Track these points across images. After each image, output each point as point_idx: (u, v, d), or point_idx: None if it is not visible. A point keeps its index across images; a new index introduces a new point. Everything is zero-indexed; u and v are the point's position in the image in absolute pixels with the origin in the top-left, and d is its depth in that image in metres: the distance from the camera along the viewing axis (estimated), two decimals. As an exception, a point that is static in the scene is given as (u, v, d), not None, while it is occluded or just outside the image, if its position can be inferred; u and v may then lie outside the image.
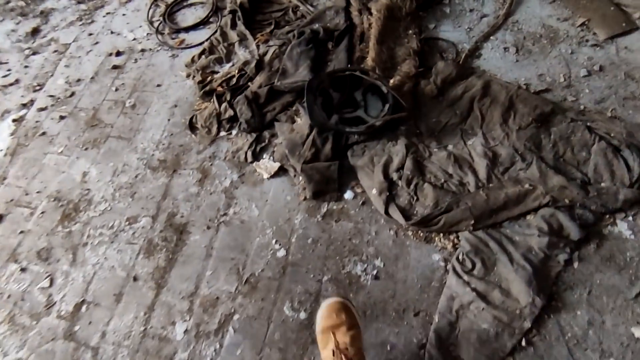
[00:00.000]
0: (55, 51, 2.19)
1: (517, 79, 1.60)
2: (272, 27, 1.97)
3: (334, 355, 0.96)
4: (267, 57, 1.85)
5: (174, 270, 1.42)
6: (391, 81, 1.62)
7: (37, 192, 1.70)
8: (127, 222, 1.55)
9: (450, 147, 1.48)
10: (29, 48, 2.23)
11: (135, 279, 1.42)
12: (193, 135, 1.72)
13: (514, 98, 1.52)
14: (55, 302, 1.43)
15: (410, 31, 1.78)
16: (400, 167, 1.44)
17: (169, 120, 1.79)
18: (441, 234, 1.31)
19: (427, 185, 1.38)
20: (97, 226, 1.57)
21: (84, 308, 1.38)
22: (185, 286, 1.37)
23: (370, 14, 1.83)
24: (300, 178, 1.50)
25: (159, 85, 1.91)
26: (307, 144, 1.54)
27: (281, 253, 1.38)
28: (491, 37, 1.74)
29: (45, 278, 1.48)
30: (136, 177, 1.66)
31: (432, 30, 1.82)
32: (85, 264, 1.49)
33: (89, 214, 1.60)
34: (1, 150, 1.86)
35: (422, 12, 1.88)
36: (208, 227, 1.48)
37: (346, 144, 1.55)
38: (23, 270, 1.51)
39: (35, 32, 2.30)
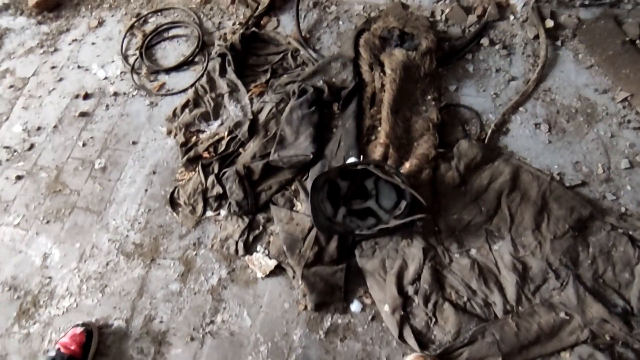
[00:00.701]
0: (11, 86, 1.87)
1: (550, 166, 1.40)
2: (268, 75, 1.70)
3: None
4: (262, 117, 1.59)
5: (151, 393, 1.22)
6: (407, 165, 1.40)
7: (-11, 277, 1.45)
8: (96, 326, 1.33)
9: (473, 252, 1.29)
10: (-21, 80, 1.90)
11: (104, 402, 1.22)
12: (175, 214, 1.48)
13: (547, 195, 1.32)
14: None
15: (429, 96, 1.54)
16: (417, 278, 1.25)
17: (146, 190, 1.53)
18: (463, 370, 1.14)
19: (448, 305, 1.20)
20: (59, 328, 1.34)
21: None
22: (165, 422, 1.17)
23: (383, 71, 1.58)
24: (300, 282, 1.29)
25: (134, 143, 1.64)
26: (309, 241, 1.32)
27: (277, 379, 1.19)
28: (520, 108, 1.52)
29: (-1, 395, 1.26)
30: (107, 264, 1.42)
31: (454, 94, 1.58)
32: (47, 378, 1.27)
33: (51, 311, 1.37)
34: (-54, 216, 1.59)
35: (442, 67, 1.63)
36: (192, 339, 1.27)
37: (354, 241, 1.35)
38: (-29, 383, 1.29)
39: (-14, 59, 1.96)
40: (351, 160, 1.41)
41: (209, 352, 1.25)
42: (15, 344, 1.33)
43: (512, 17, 1.69)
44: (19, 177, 1.62)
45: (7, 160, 1.67)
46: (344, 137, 1.49)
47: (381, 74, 1.58)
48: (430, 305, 1.21)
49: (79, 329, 1.26)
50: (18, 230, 1.52)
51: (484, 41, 1.66)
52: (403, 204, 1.29)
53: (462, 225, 1.32)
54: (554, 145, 1.44)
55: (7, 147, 1.70)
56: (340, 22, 1.82)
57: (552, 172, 1.38)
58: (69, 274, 1.42)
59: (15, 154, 1.68)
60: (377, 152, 1.44)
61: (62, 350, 1.22)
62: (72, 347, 1.22)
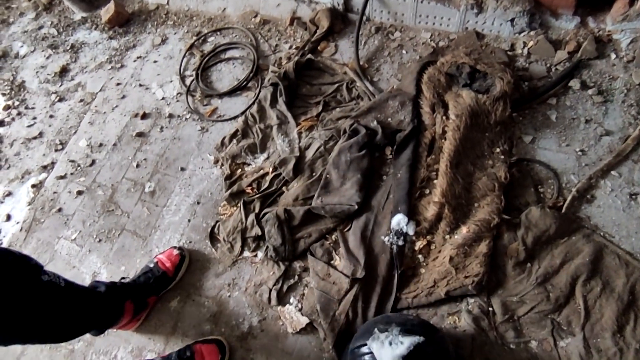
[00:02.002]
0: (81, 100, 1.98)
1: (645, 250, 1.15)
2: (320, 108, 1.60)
3: None
4: (309, 155, 1.51)
5: None
6: (463, 230, 1.23)
7: (46, 288, 1.55)
8: (131, 354, 1.37)
9: (533, 345, 1.11)
10: (55, 92, 2.04)
11: None
12: (213, 250, 1.46)
13: (637, 289, 1.09)
14: None
15: (498, 149, 1.35)
16: (462, 368, 1.11)
17: (189, 221, 1.54)
18: None
19: (496, 407, 1.04)
20: (99, 350, 1.40)
21: None
22: None
23: (447, 115, 1.41)
24: (331, 349, 1.20)
25: (182, 169, 1.65)
26: (345, 304, 1.23)
27: None
28: (613, 172, 1.27)
29: (43, 406, 1.35)
30: (147, 293, 1.45)
31: (529, 146, 1.37)
32: (84, 398, 1.33)
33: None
34: (18, 222, 1.73)
35: (518, 113, 1.42)
36: (218, 386, 1.26)
37: (394, 308, 1.23)
38: (23, 388, 1.40)
39: (63, 71, 2.09)
40: (397, 218, 1.28)
41: (233, 405, 1.23)
42: (60, 358, 1.42)
43: (613, 56, 1.41)
44: (79, 193, 1.72)
45: (72, 174, 1.78)
46: (394, 188, 1.36)
47: (444, 117, 1.41)
48: (474, 403, 1.06)
49: (176, 251, 1.42)
50: (74, 246, 1.61)
51: (574, 83, 1.41)
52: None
53: (524, 312, 1.14)
54: (653, 223, 1.18)
55: (72, 161, 1.81)
56: (404, 52, 1.66)
57: (647, 259, 1.14)
58: (112, 297, 1.47)
59: (79, 168, 1.78)
60: (430, 210, 1.29)
61: (159, 265, 1.38)
62: (167, 265, 1.38)
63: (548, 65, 1.47)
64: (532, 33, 1.51)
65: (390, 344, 0.93)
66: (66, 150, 1.86)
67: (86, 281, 1.53)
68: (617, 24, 1.41)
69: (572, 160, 1.32)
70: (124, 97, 1.92)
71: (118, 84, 1.97)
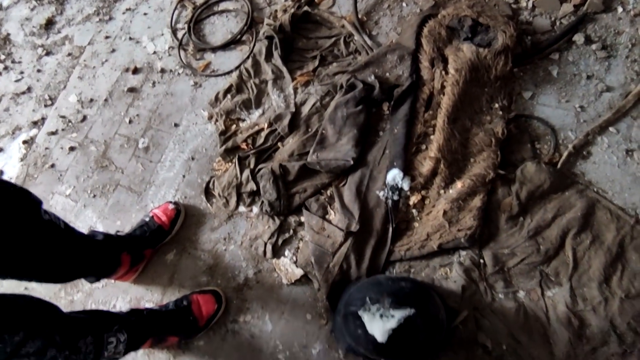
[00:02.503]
0: (69, 54, 1.91)
1: (637, 205, 1.16)
2: (317, 63, 1.56)
3: None
4: (305, 111, 1.48)
5: (172, 378, 1.28)
6: (458, 185, 1.23)
7: (43, 242, 1.56)
8: (129, 303, 1.40)
9: (521, 295, 1.14)
10: (42, 46, 1.96)
11: None
12: (208, 205, 1.46)
13: (626, 242, 1.11)
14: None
15: (497, 104, 1.32)
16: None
17: (183, 177, 1.53)
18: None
19: (481, 353, 1.08)
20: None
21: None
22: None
23: (446, 69, 1.37)
24: (325, 299, 1.23)
25: (176, 125, 1.62)
26: (339, 257, 1.25)
27: (292, 390, 1.19)
28: (610, 129, 1.26)
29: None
30: (143, 246, 1.46)
31: (528, 102, 1.35)
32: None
33: (90, 285, 1.45)
34: (11, 178, 1.71)
35: (518, 68, 1.38)
36: (214, 333, 1.30)
37: (387, 260, 1.25)
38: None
39: (49, 24, 2.00)
40: (393, 173, 1.28)
41: (229, 350, 1.27)
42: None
43: (620, 10, 1.37)
44: (72, 149, 1.69)
45: (63, 130, 1.75)
46: (391, 143, 1.35)
47: (443, 72, 1.38)
48: (462, 352, 1.10)
49: (171, 206, 1.42)
50: (69, 201, 1.61)
51: (578, 38, 1.37)
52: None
53: (514, 263, 1.16)
54: (646, 179, 1.19)
55: (63, 117, 1.77)
56: (404, 4, 1.60)
57: (637, 214, 1.15)
58: (109, 250, 1.49)
59: (70, 124, 1.75)
60: (425, 165, 1.28)
61: (155, 219, 1.39)
62: (163, 219, 1.39)
63: (552, 19, 1.42)
64: (538, -16, 1.44)
65: (382, 317, 0.95)
66: (56, 105, 1.81)
67: (82, 235, 1.54)
68: (627, -26, 1.36)
69: (571, 117, 1.30)
70: (113, 51, 1.85)
71: (107, 37, 1.89)
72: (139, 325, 1.12)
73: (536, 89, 1.36)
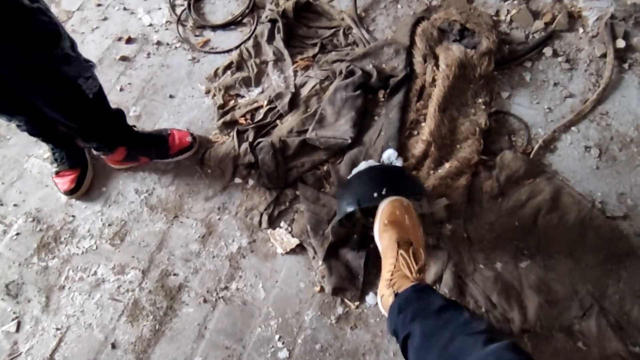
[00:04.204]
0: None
1: (593, 192, 1.35)
2: (317, 50, 1.64)
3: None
4: (305, 92, 1.55)
5: (158, 345, 1.24)
6: (446, 165, 1.36)
7: (14, 205, 1.46)
8: (112, 271, 1.34)
9: (499, 265, 1.26)
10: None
11: (113, 346, 1.25)
12: (203, 175, 1.46)
13: (586, 221, 1.28)
14: (20, 353, 1.26)
15: (480, 99, 1.48)
16: (437, 280, 1.23)
17: (177, 147, 1.52)
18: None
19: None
20: (77, 267, 1.36)
21: (51, 373, 1.22)
22: (169, 373, 1.20)
23: (437, 65, 1.52)
24: (321, 264, 1.28)
25: (171, 97, 1.61)
26: (333, 223, 1.31)
27: (283, 354, 1.20)
28: (572, 128, 1.45)
29: (13, 320, 1.30)
30: (130, 213, 1.42)
31: (505, 101, 1.52)
32: (59, 313, 1.30)
33: (70, 249, 1.38)
34: (-21, 137, 1.59)
35: (498, 71, 1.56)
36: (205, 300, 1.28)
37: (379, 232, 1.33)
38: (-12, 304, 1.32)
39: (34, -15, 1.91)
40: (388, 152, 1.37)
41: (220, 317, 1.26)
42: (32, 274, 1.35)
43: (581, 30, 1.60)
44: (53, 112, 1.61)
45: (44, 92, 1.66)
46: (386, 126, 1.45)
47: (434, 67, 1.52)
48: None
49: (189, 138, 1.46)
50: (47, 164, 1.52)
51: (547, 51, 1.58)
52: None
53: (493, 237, 1.29)
54: (601, 172, 1.38)
55: (44, 79, 1.68)
56: (399, 6, 1.74)
57: (594, 199, 1.34)
58: (92, 215, 1.43)
59: (52, 87, 1.67)
60: (417, 148, 1.40)
61: (169, 137, 1.44)
62: (175, 142, 1.44)
63: (526, 32, 1.63)
64: (515, 2, 1.65)
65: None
66: (37, 67, 1.72)
67: (61, 200, 1.46)
68: (587, 2, 1.60)
69: (541, 116, 1.49)
70: (105, 19, 1.81)
71: (98, 5, 1.85)
72: (119, 124, 1.31)
73: (512, 90, 1.54)
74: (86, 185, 1.45)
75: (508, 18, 1.65)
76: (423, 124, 1.45)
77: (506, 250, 1.28)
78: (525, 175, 1.36)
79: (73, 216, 1.43)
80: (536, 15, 1.64)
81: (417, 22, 1.61)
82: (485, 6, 1.69)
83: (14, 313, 1.31)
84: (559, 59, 1.57)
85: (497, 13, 1.67)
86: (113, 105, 1.31)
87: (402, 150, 1.41)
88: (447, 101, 1.45)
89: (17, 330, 1.29)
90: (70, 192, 1.42)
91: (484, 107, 1.47)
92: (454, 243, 1.28)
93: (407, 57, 1.55)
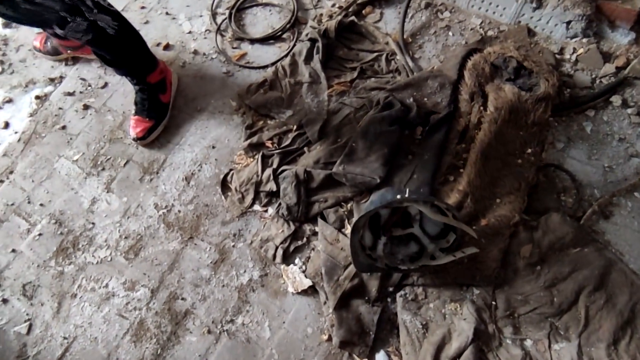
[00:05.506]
0: (100, 17, 1.84)
1: (651, 273, 1.18)
2: (355, 74, 1.54)
3: None
4: (337, 120, 1.46)
5: (158, 371, 1.22)
6: (482, 222, 1.23)
7: (40, 205, 1.49)
8: (123, 286, 1.34)
9: (529, 343, 1.13)
10: (72, 3, 1.89)
11: (115, 364, 1.24)
12: (223, 197, 1.42)
13: (637, 308, 1.12)
14: (28, 357, 1.28)
15: (530, 150, 1.33)
16: (457, 357, 1.12)
17: (200, 165, 1.48)
18: None
19: (484, 394, 1.07)
20: (91, 277, 1.36)
21: (53, 384, 1.23)
22: (164, 406, 1.17)
23: (485, 105, 1.38)
24: (331, 312, 1.21)
25: (200, 110, 1.58)
26: (350, 271, 1.22)
27: (281, 404, 1.14)
28: (635, 194, 1.28)
29: (25, 322, 1.32)
30: (147, 228, 1.40)
31: (558, 153, 1.36)
32: (68, 322, 1.31)
33: (86, 257, 1.39)
34: (16, 132, 1.64)
35: (554, 118, 1.40)
36: (209, 331, 1.25)
37: (400, 283, 1.23)
38: (4, 301, 1.35)
39: (84, -18, 1.93)
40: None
41: (222, 352, 1.22)
42: (48, 278, 1.37)
43: (660, 80, 1.40)
44: (86, 108, 1.62)
45: (81, 92, 1.68)
46: (419, 169, 1.34)
47: (482, 108, 1.38)
48: None
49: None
50: (75, 167, 1.54)
51: (615, 99, 1.39)
52: (452, 236, 1.15)
53: (525, 311, 1.16)
54: (664, 248, 1.21)
55: (83, 79, 1.70)
56: (450, 33, 1.60)
57: (651, 282, 1.17)
58: (110, 225, 1.43)
59: (89, 88, 1.68)
60: (452, 197, 1.28)
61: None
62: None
63: (593, 76, 1.45)
64: (584, 40, 1.47)
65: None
66: (77, 66, 1.74)
67: (84, 205, 1.47)
68: (671, 48, 1.39)
69: (599, 175, 1.32)
70: (147, 22, 1.80)
71: (142, 7, 1.84)
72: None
73: (568, 141, 1.37)
74: (152, 137, 1.53)
75: (573, 57, 1.47)
76: (461, 171, 1.32)
77: (539, 327, 1.14)
78: (571, 243, 1.21)
79: (93, 223, 1.44)
80: (607, 57, 1.45)
81: (469, 54, 1.47)
82: (548, 42, 1.52)
83: (27, 315, 1.33)
84: (629, 110, 1.38)
85: (562, 51, 1.49)
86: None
87: (434, 197, 1.29)
88: (491, 148, 1.31)
89: (28, 332, 1.31)
90: (138, 139, 1.51)
91: (533, 158, 1.32)
92: (479, 311, 1.16)
93: (452, 92, 1.42)
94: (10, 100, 1.71)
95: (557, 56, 1.49)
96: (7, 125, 1.65)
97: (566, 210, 1.27)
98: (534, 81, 1.39)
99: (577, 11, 1.42)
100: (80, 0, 1.18)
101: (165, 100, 1.54)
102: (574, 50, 1.48)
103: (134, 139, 1.51)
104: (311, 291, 1.27)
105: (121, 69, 1.45)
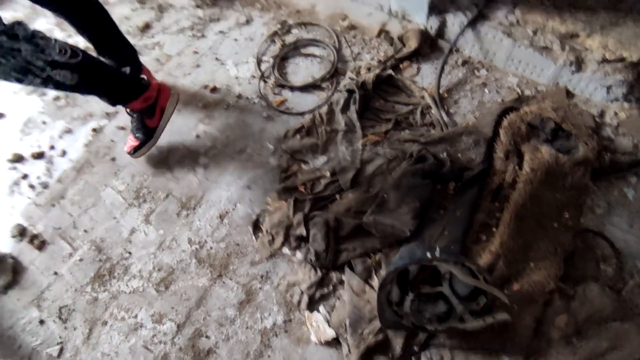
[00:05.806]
0: (156, 59, 2.01)
1: (703, 360, 1.09)
2: (390, 126, 1.59)
3: None
4: (370, 170, 1.49)
5: (176, 410, 1.22)
6: (515, 287, 1.20)
7: (84, 231, 1.58)
8: (152, 318, 1.37)
9: None
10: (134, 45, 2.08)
11: (135, 398, 1.26)
12: (254, 237, 1.46)
13: (688, 398, 1.03)
14: (55, 381, 1.32)
15: (567, 214, 1.30)
16: None
17: (236, 204, 1.54)
18: None
19: None
20: (122, 306, 1.41)
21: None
22: None
23: (521, 165, 1.37)
24: (352, 368, 1.18)
25: (240, 151, 1.66)
26: (376, 325, 1.20)
27: None
28: (682, 269, 1.21)
29: (57, 344, 1.37)
30: (180, 262, 1.46)
31: (598, 219, 1.32)
32: (97, 349, 1.35)
33: (120, 285, 1.45)
34: (71, 160, 1.77)
35: (593, 182, 1.37)
36: (227, 372, 1.25)
37: (426, 342, 1.20)
38: (41, 322, 1.42)
39: (146, 27, 2.14)
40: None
41: (240, 397, 1.21)
42: (83, 303, 1.43)
43: None
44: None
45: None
46: (451, 225, 1.33)
47: (517, 167, 1.37)
48: None
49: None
50: (119, 197, 1.64)
51: (659, 167, 1.35)
52: (482, 299, 1.10)
53: (560, 387, 1.09)
54: None
55: (135, 115, 1.84)
56: (486, 91, 1.63)
57: (703, 370, 1.08)
58: (145, 256, 1.49)
59: (140, 124, 1.81)
60: (483, 257, 1.25)
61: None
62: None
63: (635, 141, 1.42)
64: (626, 105, 1.46)
65: None
66: (131, 103, 1.89)
67: (123, 234, 1.55)
68: None
69: (641, 245, 1.26)
70: (198, 66, 1.95)
71: (195, 52, 2.00)
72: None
73: (609, 207, 1.33)
74: (139, 155, 1.66)
75: (615, 122, 1.46)
76: (494, 230, 1.30)
77: (575, 407, 1.07)
78: (611, 316, 1.15)
79: (130, 253, 1.51)
80: (650, 123, 1.43)
81: (505, 112, 1.49)
82: (588, 104, 1.51)
83: (60, 337, 1.39)
84: (674, 179, 1.34)
85: (602, 114, 1.48)
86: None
87: (465, 256, 1.27)
88: (526, 209, 1.29)
89: (59, 355, 1.36)
90: (128, 154, 1.64)
91: (570, 222, 1.29)
92: (511, 382, 1.10)
93: (487, 149, 1.43)
94: (69, 131, 1.86)
95: (597, 119, 1.47)
96: (64, 153, 1.80)
97: (606, 280, 1.22)
98: (572, 144, 1.38)
99: (618, 77, 1.42)
100: (27, 63, 1.15)
101: (151, 125, 1.62)
102: (615, 114, 1.46)
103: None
104: (334, 342, 1.25)
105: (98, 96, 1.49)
